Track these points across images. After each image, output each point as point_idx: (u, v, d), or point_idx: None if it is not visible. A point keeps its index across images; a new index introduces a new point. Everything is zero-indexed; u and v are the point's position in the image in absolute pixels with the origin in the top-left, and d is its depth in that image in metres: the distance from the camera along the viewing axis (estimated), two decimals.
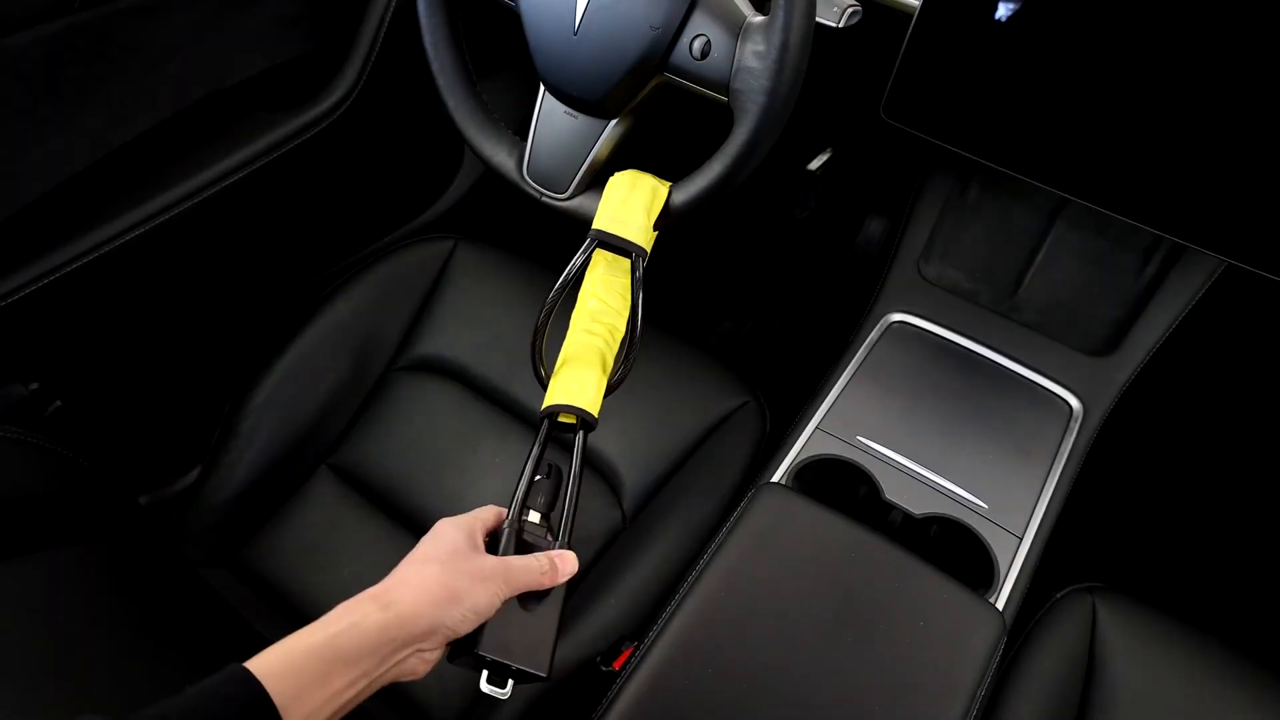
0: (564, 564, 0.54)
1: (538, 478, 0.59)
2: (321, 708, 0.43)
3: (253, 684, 0.41)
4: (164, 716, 0.39)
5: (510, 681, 0.52)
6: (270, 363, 0.89)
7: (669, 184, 0.65)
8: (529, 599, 0.53)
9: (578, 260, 0.61)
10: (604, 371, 0.62)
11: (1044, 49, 0.66)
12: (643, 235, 0.62)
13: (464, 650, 0.51)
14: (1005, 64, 0.68)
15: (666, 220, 0.65)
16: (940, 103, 0.73)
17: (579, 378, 0.61)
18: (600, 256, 0.64)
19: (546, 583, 0.53)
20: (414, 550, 0.51)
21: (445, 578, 0.48)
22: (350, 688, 0.44)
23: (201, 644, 0.69)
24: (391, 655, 0.46)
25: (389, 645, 0.45)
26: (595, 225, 0.62)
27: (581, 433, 0.60)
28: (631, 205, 0.62)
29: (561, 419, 0.60)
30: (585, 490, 0.85)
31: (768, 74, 0.57)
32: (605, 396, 0.61)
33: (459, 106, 0.71)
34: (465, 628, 0.48)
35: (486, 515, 0.56)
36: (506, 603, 0.51)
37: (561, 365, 0.62)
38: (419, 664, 0.48)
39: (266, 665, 0.42)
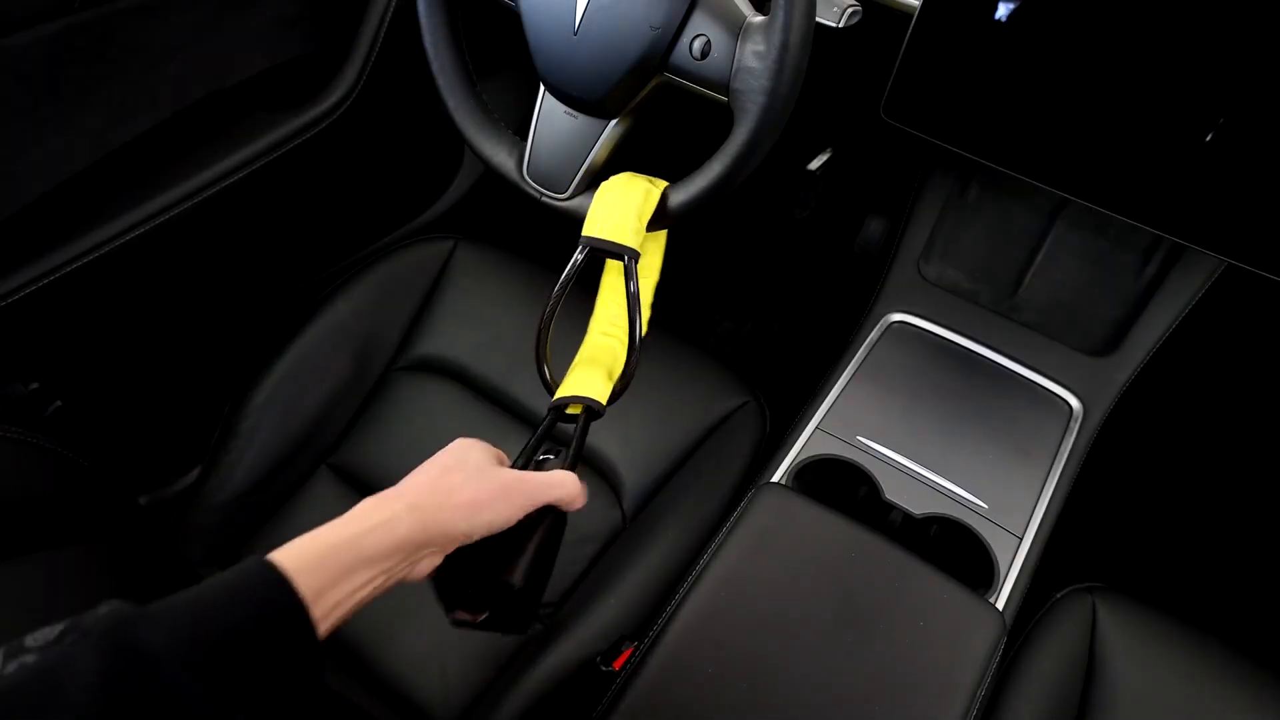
0: (576, 486, 0.53)
1: (541, 457, 0.58)
2: (343, 602, 0.42)
3: (277, 575, 0.40)
4: (192, 600, 0.38)
5: (486, 612, 0.51)
6: (270, 363, 0.89)
7: (664, 183, 0.65)
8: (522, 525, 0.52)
9: (570, 269, 0.61)
10: (616, 373, 0.62)
11: (1044, 49, 0.66)
12: (634, 237, 0.62)
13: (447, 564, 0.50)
14: (1005, 64, 0.68)
15: (667, 221, 0.65)
16: (940, 103, 0.73)
17: (591, 376, 0.61)
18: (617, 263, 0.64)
19: (564, 501, 0.52)
20: (434, 458, 0.51)
21: (470, 487, 0.48)
22: (369, 584, 0.44)
23: None
24: (411, 555, 0.46)
25: (411, 546, 0.46)
26: (585, 232, 0.62)
27: (584, 417, 0.60)
28: (621, 208, 0.62)
29: (569, 410, 0.60)
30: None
31: (768, 74, 0.57)
32: (611, 402, 0.62)
33: (459, 106, 0.71)
34: (478, 535, 0.48)
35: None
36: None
37: (576, 366, 0.62)
38: (427, 565, 0.48)
39: (291, 558, 0.41)
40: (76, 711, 0.32)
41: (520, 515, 0.50)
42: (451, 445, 0.52)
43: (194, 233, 0.89)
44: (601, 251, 0.62)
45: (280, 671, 0.38)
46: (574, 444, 0.57)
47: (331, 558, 0.42)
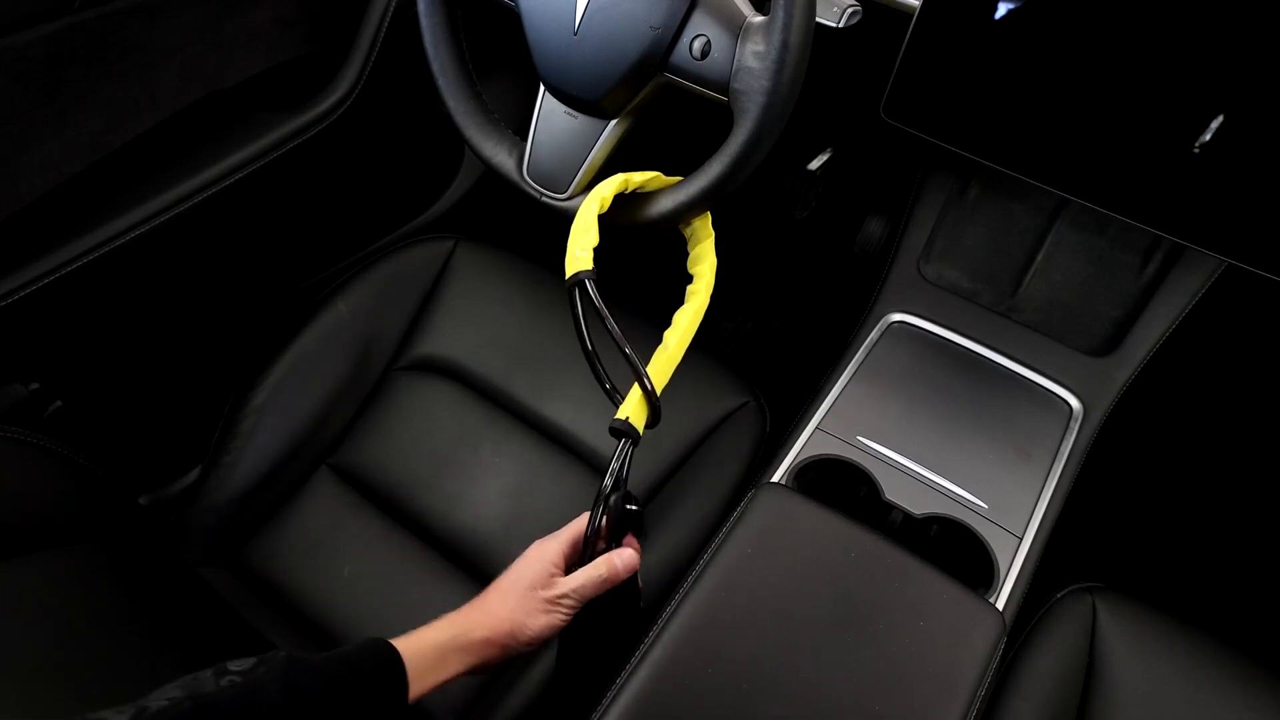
0: (623, 560, 0.61)
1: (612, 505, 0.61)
2: (432, 687, 0.57)
3: (391, 652, 0.56)
4: (328, 663, 0.53)
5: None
6: (270, 363, 0.89)
7: (651, 173, 0.64)
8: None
9: (574, 311, 0.60)
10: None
11: (1044, 48, 0.66)
12: (582, 259, 0.59)
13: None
14: (1005, 64, 0.68)
15: (668, 222, 0.65)
16: (940, 103, 0.73)
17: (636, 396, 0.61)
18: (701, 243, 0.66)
19: (611, 581, 0.61)
20: (506, 572, 0.63)
21: (514, 613, 0.60)
22: (453, 675, 0.59)
23: (201, 644, 0.69)
24: (485, 658, 0.60)
25: (484, 652, 0.60)
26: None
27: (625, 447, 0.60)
28: (573, 237, 0.61)
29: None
30: (583, 490, 0.85)
31: (768, 74, 0.57)
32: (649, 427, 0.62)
33: (459, 106, 0.71)
34: (535, 644, 0.61)
35: (580, 526, 0.63)
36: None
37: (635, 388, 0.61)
38: (499, 662, 0.61)
39: (401, 644, 0.57)
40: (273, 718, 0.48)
41: (564, 621, 0.60)
42: (526, 552, 0.63)
43: (194, 233, 0.89)
44: (578, 286, 0.60)
45: (383, 710, 0.54)
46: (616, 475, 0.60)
47: (432, 650, 0.58)
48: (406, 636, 0.58)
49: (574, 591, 0.60)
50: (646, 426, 0.61)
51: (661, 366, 0.62)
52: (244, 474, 0.85)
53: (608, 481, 0.59)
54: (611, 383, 0.61)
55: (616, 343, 0.58)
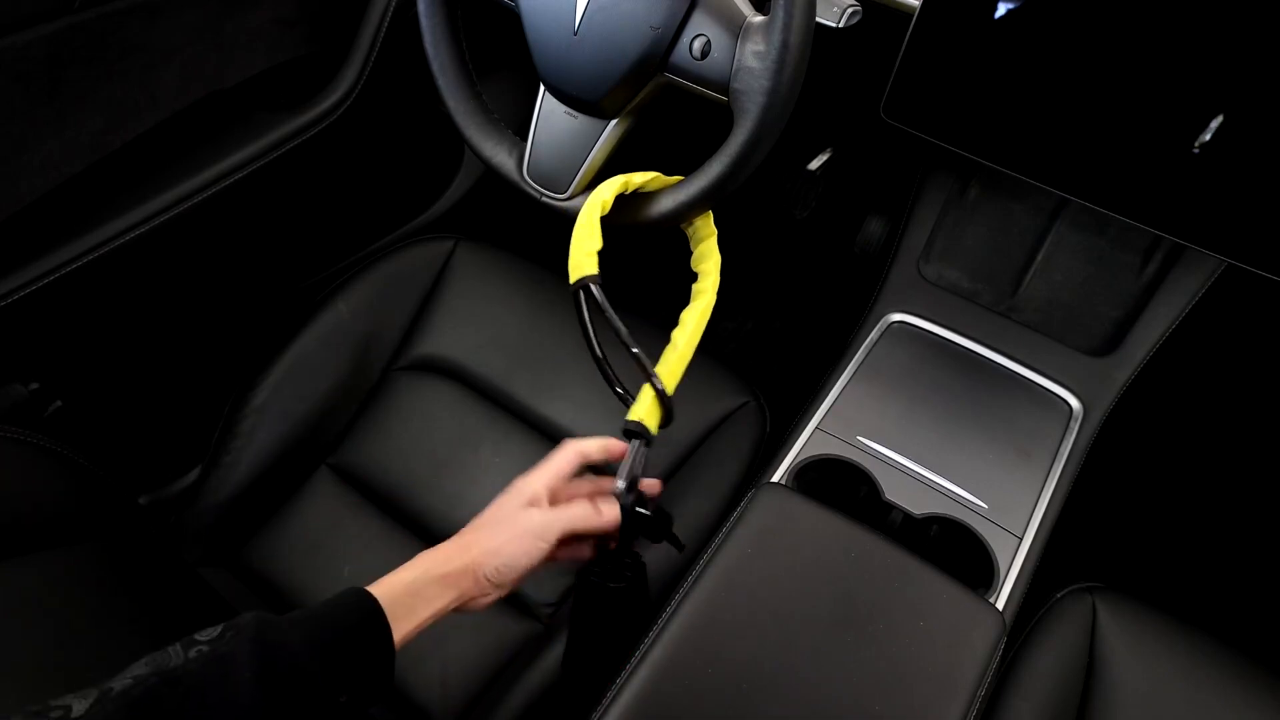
0: (607, 510, 0.61)
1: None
2: (416, 626, 0.55)
3: (369, 599, 0.53)
4: (300, 619, 0.50)
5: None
6: (270, 363, 0.89)
7: (650, 174, 0.64)
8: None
9: (580, 316, 0.60)
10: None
11: (1044, 49, 0.66)
12: (586, 264, 0.60)
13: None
14: (1005, 64, 0.68)
15: (668, 223, 0.65)
16: (940, 103, 0.73)
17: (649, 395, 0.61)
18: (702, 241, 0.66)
19: (596, 523, 0.60)
20: (488, 508, 0.61)
21: (490, 541, 0.58)
22: (434, 612, 0.56)
23: None
24: (463, 590, 0.57)
25: (459, 582, 0.57)
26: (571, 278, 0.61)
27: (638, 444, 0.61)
28: (576, 242, 0.61)
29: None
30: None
31: (768, 74, 0.57)
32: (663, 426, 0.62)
33: (459, 106, 0.71)
34: (508, 577, 0.58)
35: (563, 465, 0.63)
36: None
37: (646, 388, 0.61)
38: (484, 602, 0.59)
39: (376, 588, 0.55)
40: (246, 685, 0.45)
41: (540, 554, 0.58)
42: (505, 490, 0.62)
43: (194, 233, 0.89)
44: (583, 291, 0.60)
45: (369, 663, 0.52)
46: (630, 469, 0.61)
47: (401, 590, 0.55)
48: (378, 582, 0.56)
49: (550, 522, 0.59)
50: (660, 427, 0.61)
51: (673, 366, 0.62)
52: (244, 474, 0.85)
53: (620, 484, 0.59)
54: (624, 386, 0.61)
55: (626, 345, 0.58)
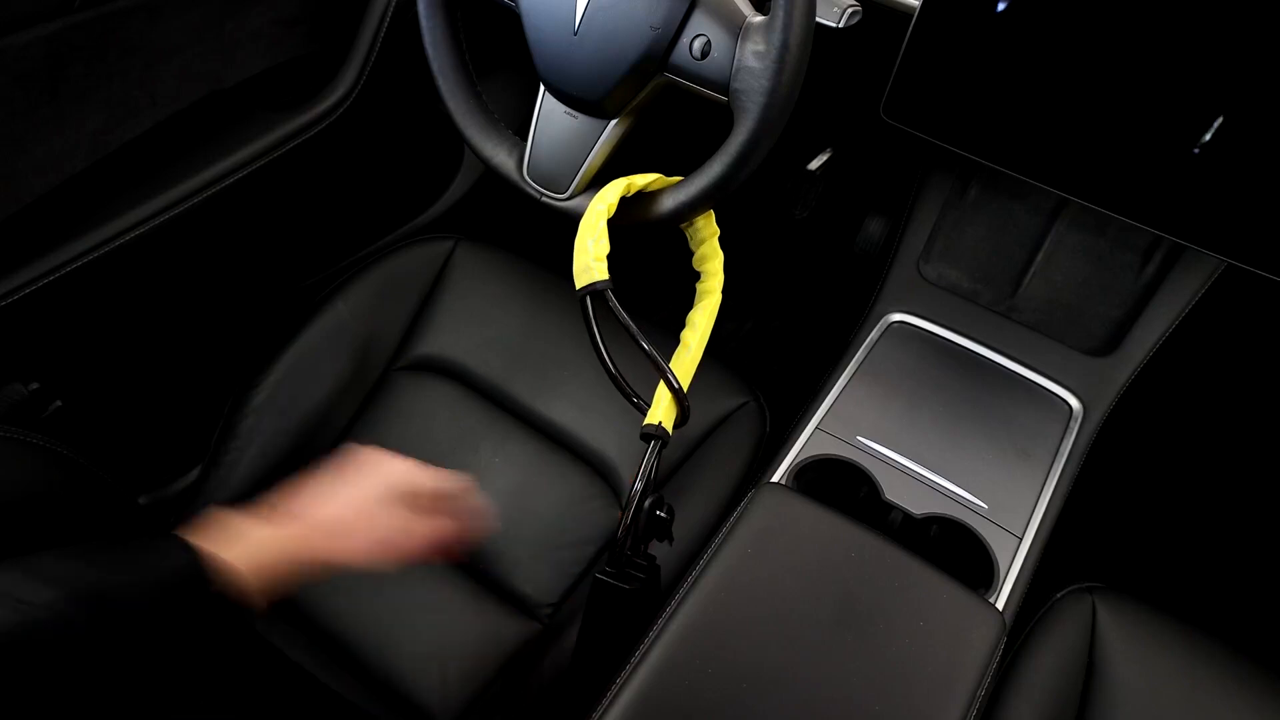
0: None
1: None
2: (269, 574, 0.53)
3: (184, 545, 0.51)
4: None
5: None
6: (270, 363, 0.89)
7: (652, 175, 0.64)
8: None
9: (587, 324, 0.60)
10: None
11: (1044, 49, 0.66)
12: (595, 269, 0.59)
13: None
14: (1005, 64, 0.68)
15: (668, 223, 0.65)
16: (940, 103, 0.73)
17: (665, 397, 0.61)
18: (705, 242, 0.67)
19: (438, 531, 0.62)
20: (334, 470, 0.61)
21: (343, 510, 0.59)
22: (281, 556, 0.54)
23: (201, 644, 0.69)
24: (312, 545, 0.57)
25: (312, 539, 0.57)
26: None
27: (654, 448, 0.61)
28: (581, 245, 0.60)
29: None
30: (584, 491, 0.85)
31: (768, 74, 0.57)
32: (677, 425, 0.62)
33: (459, 107, 0.71)
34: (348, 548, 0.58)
35: (392, 474, 0.63)
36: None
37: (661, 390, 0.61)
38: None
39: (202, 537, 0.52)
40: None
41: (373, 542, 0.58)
42: (359, 459, 0.62)
43: (194, 233, 0.89)
44: (591, 294, 0.59)
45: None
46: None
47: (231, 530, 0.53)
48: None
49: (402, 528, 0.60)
50: (676, 426, 0.61)
51: (686, 366, 0.62)
52: (244, 474, 0.85)
53: (638, 485, 0.59)
54: (638, 395, 0.61)
55: (642, 348, 0.58)
